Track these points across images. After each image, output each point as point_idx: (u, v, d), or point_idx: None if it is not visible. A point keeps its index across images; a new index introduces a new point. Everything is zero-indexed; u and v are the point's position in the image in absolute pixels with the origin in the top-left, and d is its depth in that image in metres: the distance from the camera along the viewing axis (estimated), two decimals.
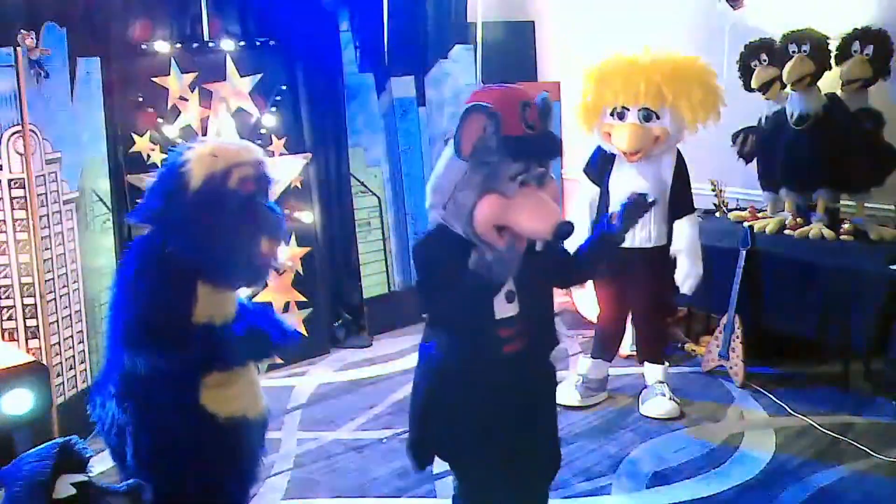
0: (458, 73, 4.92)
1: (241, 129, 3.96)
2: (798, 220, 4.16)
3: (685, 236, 3.51)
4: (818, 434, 3.43)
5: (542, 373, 2.27)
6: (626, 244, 3.47)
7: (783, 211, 4.28)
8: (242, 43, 4.05)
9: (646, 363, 3.78)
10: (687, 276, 3.52)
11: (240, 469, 2.29)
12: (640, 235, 3.48)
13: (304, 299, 4.18)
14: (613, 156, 3.54)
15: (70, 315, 3.33)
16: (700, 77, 3.45)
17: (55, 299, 3.23)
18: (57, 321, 3.24)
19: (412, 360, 4.21)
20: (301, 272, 4.16)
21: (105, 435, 2.25)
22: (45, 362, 3.05)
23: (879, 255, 3.71)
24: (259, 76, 4.05)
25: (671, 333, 4.22)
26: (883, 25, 3.96)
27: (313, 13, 4.32)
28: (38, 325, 3.16)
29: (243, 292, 2.34)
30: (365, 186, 4.62)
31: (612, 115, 3.49)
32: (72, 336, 3.35)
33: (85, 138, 3.46)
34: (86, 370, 3.43)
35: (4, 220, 3.08)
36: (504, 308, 2.13)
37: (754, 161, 4.37)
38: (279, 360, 4.04)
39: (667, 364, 3.78)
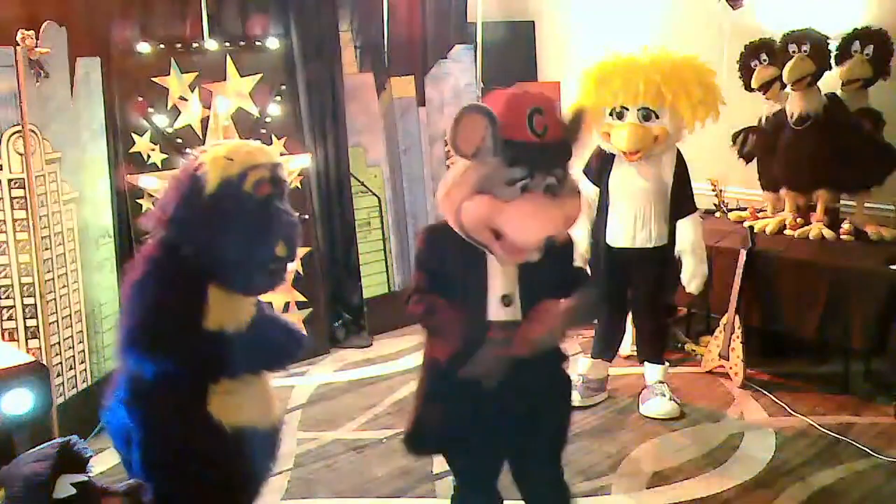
0: (458, 73, 4.92)
1: (241, 129, 3.96)
2: (798, 220, 4.16)
3: (689, 236, 3.52)
4: (818, 434, 3.43)
5: (541, 386, 2.18)
6: (626, 244, 3.54)
7: (783, 211, 4.29)
8: (242, 43, 4.06)
9: (646, 363, 3.78)
10: (692, 275, 3.53)
11: (245, 479, 2.24)
12: (641, 236, 3.49)
13: (304, 299, 4.19)
14: (613, 155, 3.54)
15: (70, 315, 3.33)
16: (699, 76, 3.45)
17: (55, 299, 3.23)
18: (57, 321, 3.24)
19: (412, 360, 4.27)
20: (301, 272, 4.17)
21: (115, 441, 2.22)
22: (45, 362, 3.05)
23: (879, 255, 3.71)
24: (259, 76, 4.06)
25: (671, 333, 4.21)
26: (883, 25, 3.96)
27: (313, 13, 4.33)
28: (38, 325, 3.16)
29: (258, 298, 2.28)
30: (365, 186, 4.62)
31: (611, 114, 3.48)
32: (72, 336, 3.35)
33: (85, 138, 3.46)
34: (86, 370, 3.43)
35: (4, 220, 3.08)
36: (498, 311, 2.12)
37: (754, 161, 4.37)
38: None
39: (667, 364, 3.78)
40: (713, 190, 4.57)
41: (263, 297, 2.31)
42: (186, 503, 2.14)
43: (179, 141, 3.79)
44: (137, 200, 3.71)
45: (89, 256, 3.46)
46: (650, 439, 3.43)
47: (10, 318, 3.13)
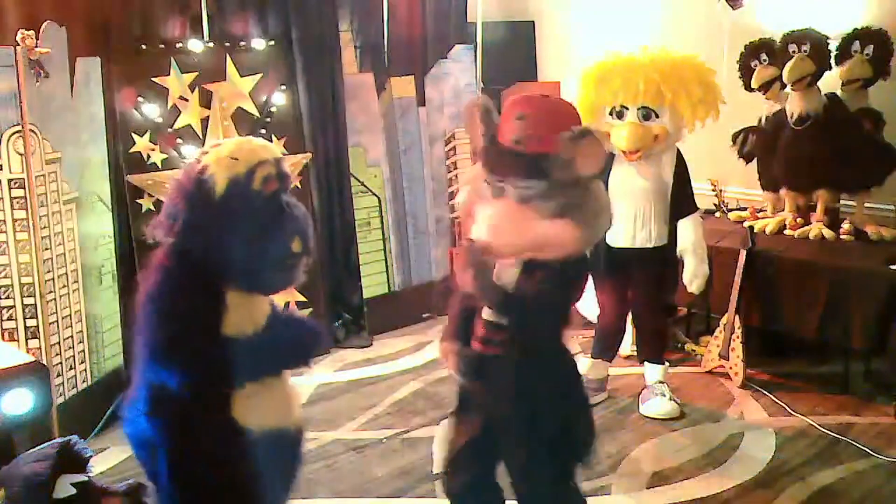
0: (458, 73, 4.92)
1: (241, 129, 3.97)
2: (798, 220, 4.16)
3: (690, 236, 3.52)
4: (818, 434, 3.43)
5: (533, 392, 2.12)
6: (626, 244, 3.54)
7: (783, 211, 4.29)
8: (242, 43, 4.06)
9: (646, 363, 3.78)
10: (694, 275, 3.53)
11: (275, 482, 2.20)
12: (641, 235, 3.49)
13: (304, 299, 4.18)
14: (612, 155, 3.54)
15: (70, 315, 3.33)
16: (699, 75, 3.45)
17: (55, 299, 3.23)
18: (57, 321, 3.24)
19: (412, 360, 4.27)
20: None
21: (138, 452, 2.18)
22: (45, 362, 3.05)
23: (879, 255, 3.71)
24: (259, 76, 4.06)
25: (671, 333, 4.21)
26: (883, 25, 3.96)
27: (313, 13, 4.33)
28: (38, 325, 3.15)
29: (272, 298, 2.24)
30: (365, 186, 4.62)
31: (611, 114, 3.49)
32: (72, 336, 3.35)
33: (85, 138, 3.46)
34: (86, 370, 3.43)
35: (4, 220, 3.08)
36: (487, 311, 2.14)
37: (754, 161, 4.37)
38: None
39: (667, 364, 3.78)
40: (713, 190, 4.57)
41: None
42: None
43: (160, 120, 3.78)
44: (137, 200, 3.71)
45: (89, 256, 3.46)
46: (650, 439, 3.43)
47: (10, 318, 3.12)
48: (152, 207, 3.67)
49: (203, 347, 2.00)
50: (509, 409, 2.13)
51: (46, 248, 3.17)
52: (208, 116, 3.91)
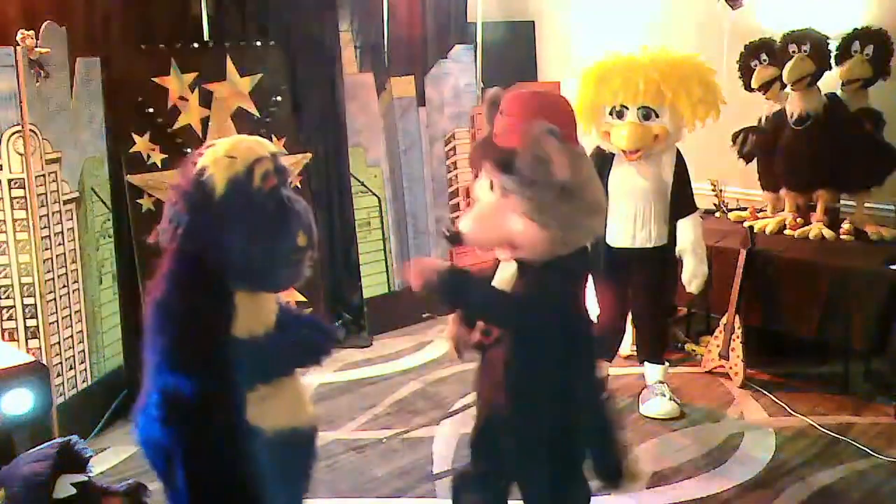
0: (458, 73, 4.92)
1: (241, 129, 3.96)
2: (798, 220, 4.16)
3: (689, 236, 3.51)
4: (818, 434, 3.43)
5: (526, 391, 2.12)
6: (626, 244, 3.54)
7: (783, 211, 4.29)
8: (242, 43, 4.05)
9: (646, 363, 3.78)
10: (693, 275, 3.53)
11: (290, 482, 2.19)
12: (641, 235, 3.49)
13: (304, 299, 4.18)
14: (612, 155, 3.54)
15: (70, 315, 3.33)
16: (699, 75, 3.45)
17: (55, 299, 3.23)
18: (57, 321, 3.24)
19: (412, 360, 4.27)
20: None
21: (152, 458, 2.18)
22: (45, 362, 3.05)
23: (879, 256, 3.71)
24: (259, 76, 4.06)
25: (671, 333, 4.21)
26: (883, 25, 3.96)
27: (313, 13, 4.33)
28: (38, 325, 3.16)
29: (279, 297, 2.23)
30: (365, 186, 4.62)
31: (610, 114, 3.49)
32: (72, 336, 3.35)
33: (85, 138, 3.46)
34: (86, 370, 3.43)
35: (4, 220, 3.08)
36: None
37: (754, 161, 4.37)
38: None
39: (667, 364, 3.78)
40: (713, 190, 4.57)
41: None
42: None
43: (159, 119, 3.77)
44: (137, 200, 3.71)
45: (89, 256, 3.46)
46: (650, 439, 3.43)
47: (10, 318, 3.13)
48: (152, 207, 3.67)
49: (216, 351, 1.98)
50: (509, 397, 2.14)
51: (46, 248, 3.17)
52: (208, 116, 3.92)
